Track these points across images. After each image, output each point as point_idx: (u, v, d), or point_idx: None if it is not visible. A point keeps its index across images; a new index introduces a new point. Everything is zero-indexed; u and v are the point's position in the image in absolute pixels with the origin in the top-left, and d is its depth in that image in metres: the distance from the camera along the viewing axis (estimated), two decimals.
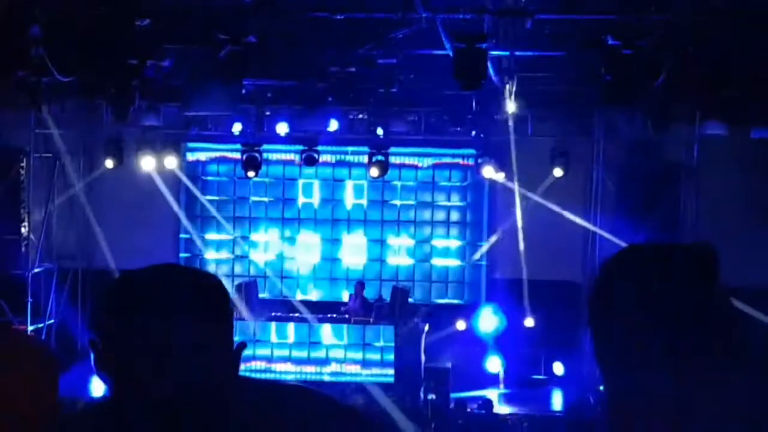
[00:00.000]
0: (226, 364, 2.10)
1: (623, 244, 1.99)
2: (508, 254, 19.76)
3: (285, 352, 18.52)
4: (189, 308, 2.03)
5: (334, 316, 18.67)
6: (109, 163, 19.10)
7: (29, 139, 18.71)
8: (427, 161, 20.53)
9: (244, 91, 17.03)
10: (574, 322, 17.46)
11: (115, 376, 2.02)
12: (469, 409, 16.35)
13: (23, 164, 18.83)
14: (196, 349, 2.00)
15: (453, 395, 17.44)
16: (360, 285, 19.15)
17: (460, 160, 20.45)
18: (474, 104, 17.14)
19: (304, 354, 18.54)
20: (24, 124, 18.40)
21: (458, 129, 18.26)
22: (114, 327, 2.03)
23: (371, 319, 18.53)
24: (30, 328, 18.52)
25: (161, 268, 2.13)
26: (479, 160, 19.27)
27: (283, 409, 2.16)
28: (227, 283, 20.08)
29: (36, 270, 18.93)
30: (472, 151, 19.64)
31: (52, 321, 19.20)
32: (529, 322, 18.61)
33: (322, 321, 18.65)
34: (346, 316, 18.73)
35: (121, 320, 2.02)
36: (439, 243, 20.76)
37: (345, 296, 19.79)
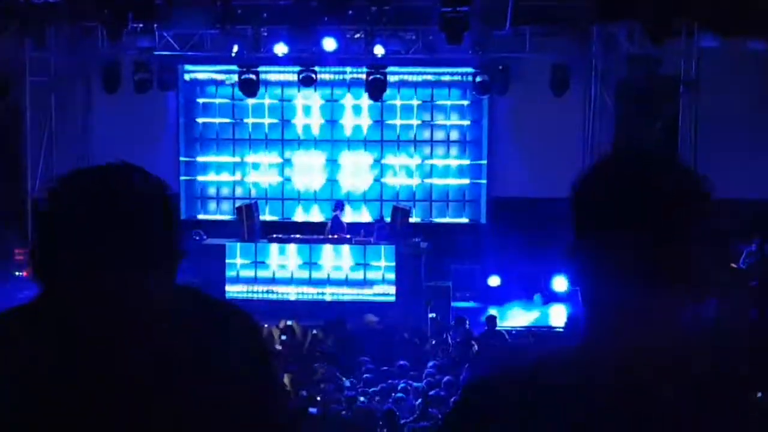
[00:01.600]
0: (165, 272, 2.04)
1: None
2: (508, 172, 19.79)
3: (286, 273, 18.62)
4: (126, 212, 1.99)
5: (336, 236, 18.72)
6: (106, 87, 19.03)
7: (25, 64, 18.60)
8: (426, 78, 20.45)
9: (239, 11, 16.93)
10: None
11: (49, 280, 1.99)
12: (468, 326, 16.50)
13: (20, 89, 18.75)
14: (133, 255, 1.96)
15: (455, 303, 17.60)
16: (339, 204, 19.17)
17: (458, 78, 20.35)
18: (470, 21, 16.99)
19: (305, 275, 18.64)
20: (19, 48, 18.28)
21: (456, 47, 18.11)
22: (50, 229, 2.00)
23: (372, 240, 18.60)
24: None
25: (101, 170, 2.08)
26: (478, 78, 19.18)
27: (204, 319, 2.16)
28: (228, 206, 20.19)
29: (37, 194, 18.94)
30: (470, 69, 19.53)
31: None
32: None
33: (323, 242, 18.71)
34: (332, 236, 18.74)
35: (56, 222, 2.00)
36: (439, 162, 20.75)
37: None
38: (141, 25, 17.36)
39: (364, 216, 20.41)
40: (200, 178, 20.94)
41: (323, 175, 20.80)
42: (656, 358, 1.81)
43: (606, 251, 1.82)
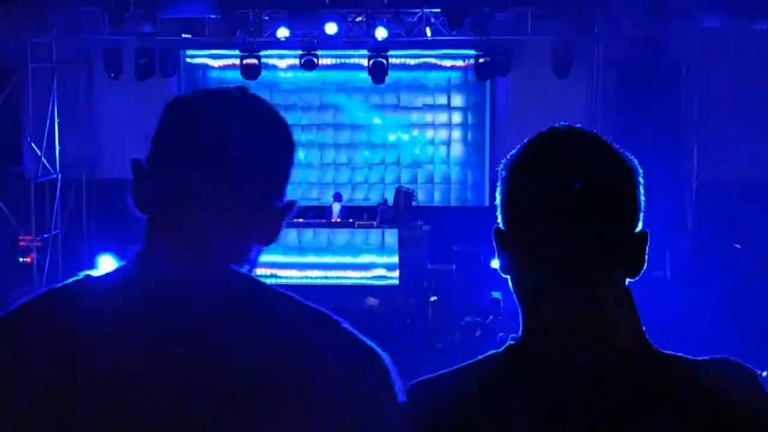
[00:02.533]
0: (273, 227, 1.83)
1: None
2: None
3: (289, 258, 18.61)
4: (260, 135, 1.82)
5: (339, 221, 18.73)
6: (108, 72, 19.02)
7: (27, 49, 18.56)
8: (428, 61, 20.39)
9: None
10: None
11: (151, 208, 1.78)
12: (473, 310, 16.51)
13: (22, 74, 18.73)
14: (254, 192, 1.77)
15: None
16: (338, 195, 19.23)
17: (460, 62, 20.30)
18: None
19: (308, 259, 18.64)
20: (21, 33, 18.24)
21: (457, 29, 18.07)
22: (162, 145, 1.78)
23: (375, 223, 18.60)
24: (36, 238, 18.64)
25: (232, 90, 1.88)
26: (480, 61, 19.13)
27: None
28: None
29: (39, 180, 18.94)
30: (472, 51, 19.48)
31: (58, 231, 19.28)
32: None
33: (326, 226, 18.71)
34: (338, 220, 18.76)
35: (174, 138, 1.77)
36: (441, 145, 20.71)
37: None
38: (142, 11, 17.33)
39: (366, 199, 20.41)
40: None
41: (326, 158, 20.77)
42: (599, 352, 1.74)
43: (530, 239, 1.76)
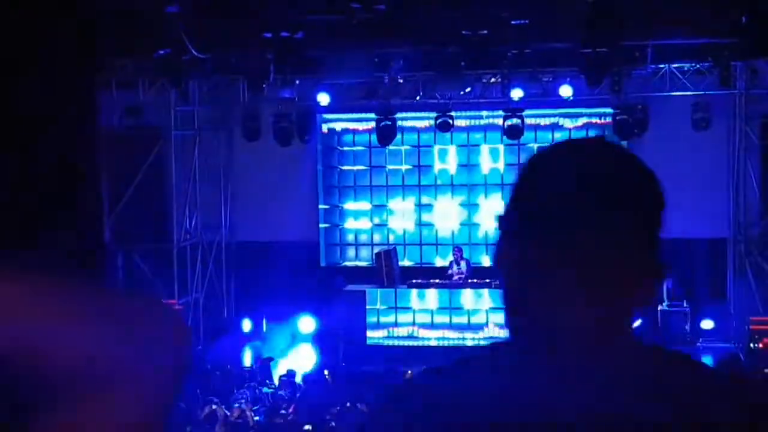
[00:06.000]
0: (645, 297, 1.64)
1: None
2: None
3: (427, 318, 18.58)
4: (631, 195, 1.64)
5: (475, 281, 18.62)
6: (247, 137, 19.41)
7: (170, 117, 19.14)
8: (565, 122, 20.23)
9: (376, 59, 17.11)
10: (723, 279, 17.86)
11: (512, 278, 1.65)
12: None
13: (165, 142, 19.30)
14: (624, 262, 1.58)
15: None
16: (458, 250, 19.12)
17: (597, 120, 20.07)
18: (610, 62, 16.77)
19: (446, 319, 18.57)
20: (165, 103, 18.83)
21: (595, 88, 17.88)
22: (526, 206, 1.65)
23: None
24: (178, 301, 19.03)
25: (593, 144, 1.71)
26: (617, 118, 18.88)
27: None
28: (367, 252, 20.27)
29: (182, 244, 19.38)
30: (609, 109, 19.24)
31: (199, 294, 19.66)
32: None
33: (462, 286, 18.64)
34: (459, 279, 18.67)
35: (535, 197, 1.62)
36: None
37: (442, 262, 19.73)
38: (281, 77, 17.68)
39: None
40: (339, 225, 21.10)
41: (461, 218, 20.70)
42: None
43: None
